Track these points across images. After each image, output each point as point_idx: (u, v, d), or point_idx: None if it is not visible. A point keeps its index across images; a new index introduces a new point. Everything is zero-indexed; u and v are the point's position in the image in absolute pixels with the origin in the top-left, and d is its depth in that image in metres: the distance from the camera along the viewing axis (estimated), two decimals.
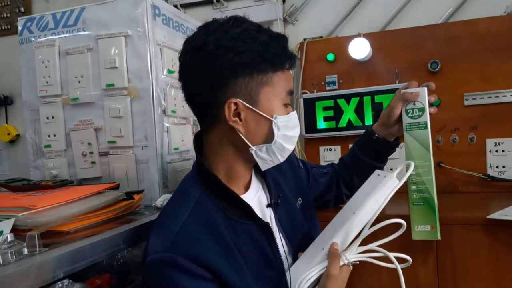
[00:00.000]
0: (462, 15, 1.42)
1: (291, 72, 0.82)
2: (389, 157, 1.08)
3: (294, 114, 0.80)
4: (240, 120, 0.75)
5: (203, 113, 0.79)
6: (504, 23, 1.31)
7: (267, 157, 0.78)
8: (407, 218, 0.93)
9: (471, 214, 1.02)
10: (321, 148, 1.51)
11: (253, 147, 0.76)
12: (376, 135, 1.05)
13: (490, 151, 1.32)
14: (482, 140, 1.33)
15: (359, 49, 1.39)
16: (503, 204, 1.19)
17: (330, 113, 1.48)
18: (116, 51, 1.03)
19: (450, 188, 1.36)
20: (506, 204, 1.17)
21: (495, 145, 1.32)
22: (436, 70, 1.37)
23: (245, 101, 0.74)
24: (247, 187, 0.83)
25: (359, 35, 1.40)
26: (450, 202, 1.20)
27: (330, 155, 1.49)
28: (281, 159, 0.80)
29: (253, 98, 0.74)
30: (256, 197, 0.83)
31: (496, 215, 0.95)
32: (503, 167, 1.31)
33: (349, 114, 1.45)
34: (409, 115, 0.98)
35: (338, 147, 1.50)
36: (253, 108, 0.74)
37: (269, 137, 0.76)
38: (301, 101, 1.50)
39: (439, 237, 0.92)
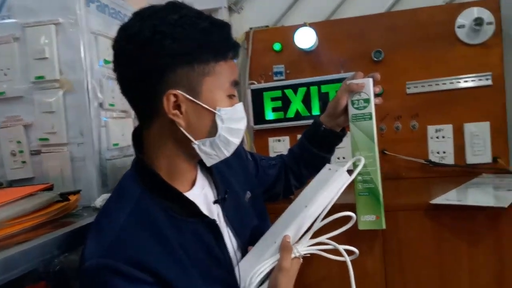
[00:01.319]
0: (404, 4, 1.45)
1: (235, 61, 0.78)
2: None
3: (239, 106, 0.77)
4: (181, 112, 0.71)
5: (140, 106, 0.74)
6: (444, 12, 1.35)
7: (212, 152, 0.75)
8: (355, 207, 0.94)
9: (415, 200, 1.05)
10: (270, 139, 1.50)
11: (195, 142, 0.72)
12: (324, 126, 1.04)
13: (431, 138, 1.37)
14: (423, 127, 1.38)
15: (305, 38, 1.38)
16: (445, 188, 1.23)
17: (278, 103, 1.46)
18: (46, 41, 0.95)
19: (394, 174, 1.39)
20: (447, 189, 1.22)
21: (436, 131, 1.36)
22: (380, 59, 1.39)
23: (185, 92, 0.70)
24: (192, 184, 0.79)
25: (304, 24, 1.39)
26: (394, 188, 1.23)
27: (279, 146, 1.48)
28: (227, 153, 0.77)
29: (194, 89, 0.70)
30: (202, 194, 0.79)
31: (438, 200, 0.98)
32: (444, 152, 1.35)
33: (296, 104, 1.45)
34: (355, 106, 0.98)
35: (287, 138, 1.49)
36: (195, 100, 0.70)
37: (213, 131, 0.73)
38: (249, 91, 1.48)
39: (384, 227, 0.93)
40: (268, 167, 1.10)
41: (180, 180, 0.76)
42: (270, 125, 1.48)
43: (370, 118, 0.97)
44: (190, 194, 0.76)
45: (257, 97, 1.47)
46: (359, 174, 0.92)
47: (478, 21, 1.29)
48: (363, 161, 0.87)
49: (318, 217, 0.79)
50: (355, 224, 0.80)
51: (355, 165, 0.92)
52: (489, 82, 1.32)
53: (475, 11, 1.32)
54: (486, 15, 1.30)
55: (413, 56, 1.38)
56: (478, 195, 1.03)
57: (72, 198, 0.87)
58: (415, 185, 1.30)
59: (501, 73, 1.32)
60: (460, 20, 1.34)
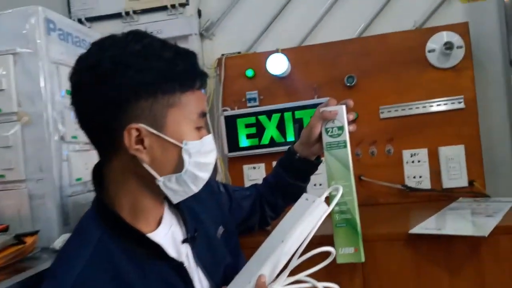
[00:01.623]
0: (375, 29, 1.45)
1: (203, 92, 0.75)
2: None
3: (208, 138, 0.73)
4: (144, 147, 0.66)
5: (100, 141, 0.69)
6: (414, 37, 1.36)
7: (178, 188, 0.70)
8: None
9: (393, 229, 1.02)
10: (245, 167, 1.46)
11: (160, 178, 0.68)
12: (298, 154, 1.02)
13: (406, 162, 1.35)
14: (399, 151, 1.36)
15: (277, 64, 1.37)
16: (423, 214, 1.21)
17: (252, 130, 1.43)
18: (3, 72, 0.90)
19: (371, 200, 1.37)
20: (425, 215, 1.19)
21: (411, 156, 1.35)
22: (352, 84, 1.39)
23: (148, 125, 0.66)
24: (158, 222, 0.74)
25: (277, 51, 1.38)
26: (372, 216, 1.19)
27: (255, 173, 1.44)
28: (195, 189, 0.72)
29: (158, 122, 0.66)
30: (169, 234, 0.74)
31: (417, 229, 0.95)
32: (420, 177, 1.34)
33: (271, 130, 1.42)
34: (329, 133, 0.96)
35: (262, 165, 1.45)
36: (159, 134, 0.66)
37: (179, 166, 0.68)
38: (222, 118, 1.44)
39: (363, 259, 0.90)
40: (242, 198, 1.06)
41: (144, 219, 0.71)
42: (244, 152, 1.44)
43: (345, 146, 0.94)
44: (156, 234, 0.70)
45: (231, 123, 1.44)
46: (336, 204, 0.88)
47: (448, 45, 1.30)
48: (340, 191, 0.84)
49: (295, 253, 0.75)
50: (334, 257, 0.77)
51: (332, 195, 0.89)
52: (462, 105, 1.32)
53: (445, 35, 1.33)
54: (455, 39, 1.31)
55: (385, 80, 1.38)
56: (457, 222, 1.01)
57: (29, 240, 0.80)
58: (393, 211, 1.27)
59: (473, 96, 1.32)
60: (430, 44, 1.34)
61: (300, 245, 0.76)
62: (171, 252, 0.71)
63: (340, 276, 0.98)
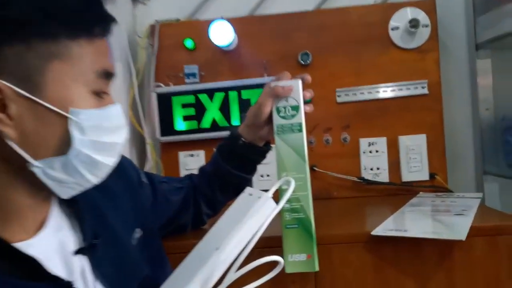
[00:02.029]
0: (334, 2, 1.29)
1: (107, 43, 0.53)
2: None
3: (114, 109, 0.53)
4: (9, 117, 0.44)
5: None
6: (377, 12, 1.21)
7: (66, 178, 0.49)
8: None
9: (352, 230, 0.86)
10: (181, 154, 1.25)
11: (35, 163, 0.46)
12: (243, 139, 0.83)
13: (364, 152, 1.21)
14: (355, 140, 1.22)
15: (222, 34, 1.17)
16: (381, 210, 1.07)
17: (191, 111, 1.22)
18: None
19: (325, 194, 1.22)
20: (383, 210, 1.06)
21: (369, 145, 1.21)
22: (308, 62, 1.22)
23: (17, 84, 0.44)
24: (39, 227, 0.52)
25: (221, 18, 1.18)
26: (326, 213, 1.04)
27: (192, 162, 1.24)
28: (93, 179, 0.51)
29: (32, 80, 0.45)
30: (54, 242, 0.52)
31: (380, 231, 0.80)
32: (377, 169, 1.20)
33: (213, 112, 1.22)
34: (281, 114, 0.79)
35: (202, 153, 1.25)
36: (32, 97, 0.44)
37: (65, 145, 0.47)
38: (154, 96, 1.22)
39: (316, 268, 0.74)
40: (171, 191, 0.86)
41: (17, 222, 0.49)
42: (180, 136, 1.23)
43: (300, 130, 0.77)
44: (31, 244, 0.49)
45: (165, 102, 1.22)
46: (287, 201, 0.71)
47: (413, 23, 1.16)
48: (293, 185, 0.66)
49: (233, 263, 0.58)
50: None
51: (282, 190, 0.71)
52: (425, 91, 1.20)
53: (409, 12, 1.19)
54: (421, 16, 1.18)
55: (343, 60, 1.22)
56: (422, 221, 0.87)
57: None
58: (348, 207, 1.12)
59: (437, 81, 1.20)
60: (393, 22, 1.20)
61: (240, 253, 0.59)
62: (56, 267, 0.50)
63: (290, 286, 0.81)
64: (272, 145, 0.84)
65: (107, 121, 0.51)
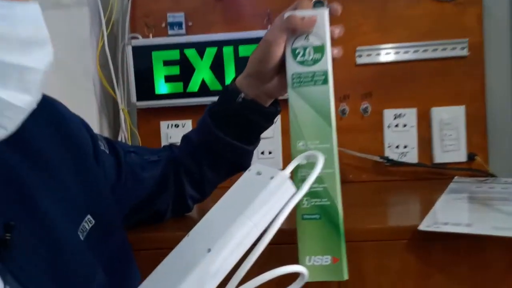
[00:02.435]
0: None
1: None
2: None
3: (26, 8, 0.29)
4: None
5: None
6: None
7: None
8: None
9: (388, 223, 0.64)
10: (163, 124, 1.01)
11: None
12: (242, 95, 0.60)
13: (388, 126, 0.98)
14: (378, 111, 0.99)
15: None
16: (410, 198, 0.86)
17: (175, 70, 0.98)
18: None
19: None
20: (413, 198, 0.84)
21: (395, 117, 0.98)
22: None
23: None
24: None
25: None
26: (343, 199, 0.82)
27: (177, 134, 1.00)
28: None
29: None
30: None
31: (431, 225, 0.58)
32: (405, 147, 0.98)
33: (203, 72, 0.98)
34: (298, 58, 0.57)
35: (189, 122, 1.02)
36: None
37: None
38: (129, 49, 0.98)
39: (345, 277, 0.52)
40: (143, 166, 0.63)
41: None
42: (162, 102, 0.99)
43: (325, 82, 0.55)
44: None
45: (143, 58, 0.98)
46: (303, 181, 0.49)
47: None
48: (321, 160, 0.45)
49: (232, 274, 0.39)
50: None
51: (299, 168, 0.50)
52: (465, 53, 0.97)
53: None
54: None
55: (366, 11, 0.99)
56: (487, 215, 0.65)
57: None
58: (369, 192, 0.91)
59: (480, 41, 0.97)
60: None
61: (243, 260, 0.39)
62: None
63: None
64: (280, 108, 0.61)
65: (11, 26, 0.28)
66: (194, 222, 0.63)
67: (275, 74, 0.57)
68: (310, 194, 0.53)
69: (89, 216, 0.47)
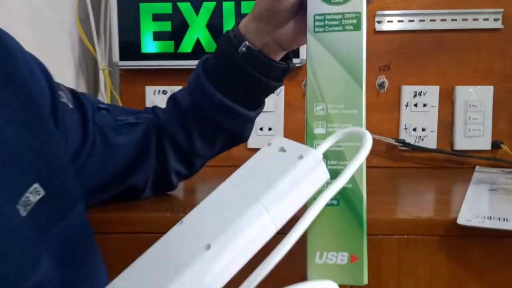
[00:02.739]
0: None
1: None
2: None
3: None
4: None
5: None
6: None
7: None
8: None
9: (417, 214, 0.52)
10: (149, 89, 0.88)
11: None
12: (247, 44, 0.47)
13: (406, 105, 0.86)
14: (396, 86, 0.87)
15: None
16: (428, 187, 0.74)
17: (166, 26, 0.85)
18: None
19: None
20: (432, 188, 0.73)
21: (414, 95, 0.86)
22: None
23: None
24: None
25: None
26: None
27: (165, 101, 0.87)
28: None
29: None
30: None
31: (472, 219, 0.47)
32: (423, 130, 0.86)
33: (198, 30, 0.84)
34: None
35: (178, 89, 0.88)
36: None
37: None
38: (113, 1, 0.84)
39: (365, 281, 0.40)
40: (117, 129, 0.50)
41: None
42: (149, 63, 0.86)
43: (358, 27, 0.43)
44: None
45: (128, 10, 0.84)
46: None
47: None
48: (370, 140, 0.33)
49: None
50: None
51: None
52: (498, 25, 0.85)
53: None
54: None
55: None
56: None
57: None
58: (383, 180, 0.79)
59: None
60: None
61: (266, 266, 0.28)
62: None
63: None
64: (297, 61, 0.49)
65: None
66: (178, 203, 0.51)
67: (291, 16, 0.44)
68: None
69: (36, 185, 0.35)
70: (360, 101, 0.42)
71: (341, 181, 0.31)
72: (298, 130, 0.86)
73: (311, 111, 0.42)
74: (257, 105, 0.53)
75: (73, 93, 0.49)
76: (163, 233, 0.31)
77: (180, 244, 0.31)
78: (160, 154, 0.54)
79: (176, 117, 0.53)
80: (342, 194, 0.41)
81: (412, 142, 0.86)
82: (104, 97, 0.86)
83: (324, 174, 0.32)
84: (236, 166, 0.33)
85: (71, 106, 0.46)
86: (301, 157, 0.31)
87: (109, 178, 0.50)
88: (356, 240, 0.40)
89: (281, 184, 0.30)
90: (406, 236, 0.49)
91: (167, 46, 0.85)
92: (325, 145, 0.35)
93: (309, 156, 0.31)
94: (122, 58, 0.85)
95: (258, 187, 0.30)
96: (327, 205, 0.42)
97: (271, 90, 0.51)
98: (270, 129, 0.87)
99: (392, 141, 0.85)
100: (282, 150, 0.32)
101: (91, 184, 0.49)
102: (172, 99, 0.56)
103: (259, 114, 0.54)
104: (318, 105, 0.42)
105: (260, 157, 0.33)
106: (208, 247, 0.28)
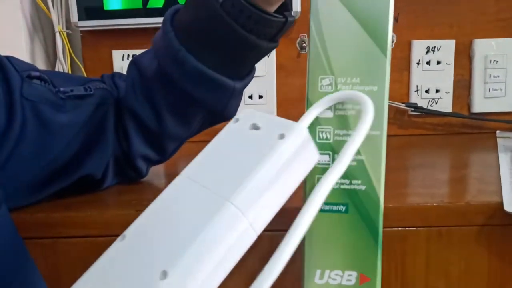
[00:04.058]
0: None
1: None
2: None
3: None
4: None
5: None
6: None
7: None
8: None
9: (453, 197, 0.42)
10: (116, 54, 0.75)
11: None
12: None
13: (418, 63, 0.75)
14: (405, 41, 0.75)
15: None
16: (449, 160, 0.64)
17: None
18: None
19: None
20: (455, 161, 0.63)
21: (427, 51, 0.74)
22: None
23: None
24: None
25: None
26: None
27: None
28: None
29: None
30: None
31: None
32: (437, 91, 0.75)
33: None
34: None
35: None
36: None
37: None
38: None
39: None
40: (58, 104, 0.38)
41: None
42: (114, 21, 0.72)
43: None
44: None
45: None
46: (325, 143, 0.26)
47: None
48: (371, 109, 0.22)
49: None
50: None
51: (318, 125, 0.27)
52: None
53: None
54: None
55: None
56: None
57: None
58: (394, 152, 0.68)
59: None
60: None
61: None
62: None
63: None
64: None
65: None
66: (149, 193, 0.40)
67: None
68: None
69: None
70: (383, 74, 0.30)
71: (335, 172, 0.22)
72: (293, 98, 0.75)
73: (314, 86, 0.31)
74: (244, 74, 0.41)
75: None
76: None
77: (124, 271, 0.21)
78: (121, 135, 0.43)
79: (139, 88, 0.41)
80: (352, 198, 0.30)
81: (424, 106, 0.75)
82: (63, 65, 0.73)
83: (313, 155, 0.24)
84: None
85: None
86: (282, 136, 0.23)
87: (53, 167, 0.39)
88: (368, 257, 0.30)
89: (258, 175, 0.20)
90: (436, 228, 0.39)
91: (134, 1, 0.71)
92: (311, 116, 0.27)
93: (292, 134, 0.22)
94: (81, 17, 0.72)
95: (227, 182, 0.21)
96: (332, 211, 0.32)
97: (263, 53, 0.39)
98: (260, 96, 0.75)
99: (402, 106, 0.74)
100: (255, 127, 0.23)
101: (28, 176, 0.37)
102: (134, 64, 0.44)
103: (247, 85, 0.43)
104: (324, 78, 0.31)
105: (226, 139, 0.24)
106: (164, 274, 0.19)
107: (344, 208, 0.30)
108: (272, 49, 0.40)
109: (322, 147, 0.30)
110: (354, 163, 0.30)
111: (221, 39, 0.37)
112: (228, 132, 0.25)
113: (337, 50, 0.30)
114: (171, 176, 0.55)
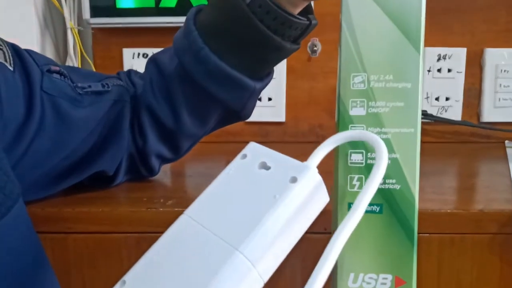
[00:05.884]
0: None
1: None
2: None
3: None
4: None
5: None
6: None
7: None
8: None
9: (467, 205, 0.41)
10: (127, 52, 0.75)
11: None
12: None
13: (428, 71, 0.75)
14: None
15: None
16: (452, 169, 0.64)
17: None
18: None
19: None
20: (456, 169, 0.63)
21: (438, 59, 0.74)
22: None
23: None
24: None
25: None
26: None
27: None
28: None
29: None
30: None
31: None
32: (447, 99, 0.75)
33: None
34: None
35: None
36: None
37: None
38: None
39: None
40: (76, 99, 0.38)
41: None
42: (126, 20, 0.72)
43: None
44: None
45: None
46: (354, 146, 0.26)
47: None
48: (385, 152, 0.24)
49: None
50: None
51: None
52: None
53: None
54: None
55: None
56: None
57: None
58: None
59: None
60: None
61: None
62: None
63: None
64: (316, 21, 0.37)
65: None
66: (160, 192, 0.40)
67: None
68: (369, 168, 0.30)
69: None
70: (417, 71, 0.30)
71: (350, 223, 0.22)
72: (302, 101, 0.74)
73: (346, 84, 0.31)
74: (264, 75, 0.41)
75: (15, 50, 0.36)
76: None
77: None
78: (136, 132, 0.43)
79: (158, 86, 0.41)
80: (387, 198, 0.30)
81: (434, 113, 0.74)
82: (74, 61, 0.74)
83: (324, 198, 0.23)
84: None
85: (10, 67, 0.34)
86: (294, 179, 0.21)
87: (68, 161, 0.39)
88: (404, 259, 0.29)
89: (269, 222, 0.20)
90: (449, 235, 0.39)
91: (147, 0, 0.71)
92: (320, 155, 0.25)
93: (304, 178, 0.21)
94: (94, 14, 0.72)
95: (236, 227, 0.20)
96: (366, 211, 0.31)
97: (285, 55, 0.39)
98: (270, 99, 0.75)
99: None
100: (265, 166, 0.22)
101: (44, 170, 0.37)
102: (153, 62, 0.44)
103: (266, 86, 0.43)
104: (356, 75, 0.31)
105: (234, 178, 0.23)
106: None
107: (378, 209, 0.30)
108: (294, 51, 0.40)
109: (354, 145, 0.30)
110: (389, 162, 0.30)
111: (246, 39, 0.37)
112: (236, 170, 0.23)
113: (370, 47, 0.30)
114: (179, 175, 0.55)
